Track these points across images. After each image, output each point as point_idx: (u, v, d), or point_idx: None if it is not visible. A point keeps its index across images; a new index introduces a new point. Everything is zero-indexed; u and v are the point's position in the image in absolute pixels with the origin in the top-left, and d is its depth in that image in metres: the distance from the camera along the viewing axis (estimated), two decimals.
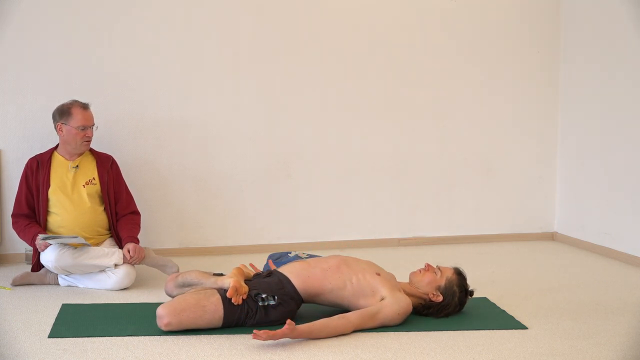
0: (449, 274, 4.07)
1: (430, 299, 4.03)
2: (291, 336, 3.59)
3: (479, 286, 4.49)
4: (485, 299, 4.41)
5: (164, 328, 3.71)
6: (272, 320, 3.81)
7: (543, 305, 4.35)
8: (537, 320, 4.03)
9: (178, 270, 4.69)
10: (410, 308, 3.93)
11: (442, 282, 4.04)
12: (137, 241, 4.77)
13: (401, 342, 3.68)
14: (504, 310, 4.20)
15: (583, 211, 6.03)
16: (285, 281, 3.92)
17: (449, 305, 4.02)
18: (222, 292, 3.78)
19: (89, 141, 4.80)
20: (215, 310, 3.74)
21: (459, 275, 4.09)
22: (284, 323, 3.65)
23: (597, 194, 5.85)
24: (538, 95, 6.25)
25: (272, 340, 3.56)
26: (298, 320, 3.82)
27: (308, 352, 3.52)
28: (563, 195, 6.27)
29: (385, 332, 3.80)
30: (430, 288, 4.03)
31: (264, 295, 3.80)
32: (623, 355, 3.54)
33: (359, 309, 3.87)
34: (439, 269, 4.09)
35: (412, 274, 4.13)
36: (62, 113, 4.75)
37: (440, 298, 4.01)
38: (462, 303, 4.07)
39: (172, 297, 4.06)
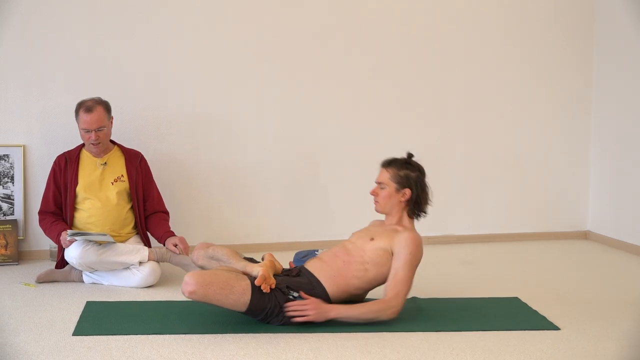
0: (391, 174, 3.98)
1: (404, 206, 4.00)
2: (321, 317, 3.68)
3: (510, 285, 4.44)
4: (516, 299, 4.34)
5: (187, 295, 3.59)
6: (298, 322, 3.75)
7: (576, 305, 4.27)
8: (569, 321, 3.95)
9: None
10: (417, 236, 3.93)
11: (394, 184, 3.97)
12: (174, 235, 4.76)
13: (430, 342, 3.61)
14: (535, 311, 4.12)
15: (617, 209, 5.93)
16: (315, 283, 3.87)
17: (419, 196, 4.00)
18: (252, 279, 3.71)
19: (95, 144, 4.68)
20: (242, 294, 3.64)
21: (399, 164, 4.00)
22: (310, 325, 3.65)
23: (631, 192, 5.74)
24: (571, 92, 6.15)
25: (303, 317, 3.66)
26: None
27: (335, 351, 3.47)
28: (596, 193, 6.17)
29: (414, 332, 3.73)
30: (395, 200, 3.99)
31: (295, 294, 3.75)
32: None
33: (386, 277, 3.85)
34: (379, 184, 4.02)
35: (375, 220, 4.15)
36: (75, 112, 4.72)
37: (408, 192, 3.97)
38: (423, 183, 4.04)
39: (198, 265, 4.04)
